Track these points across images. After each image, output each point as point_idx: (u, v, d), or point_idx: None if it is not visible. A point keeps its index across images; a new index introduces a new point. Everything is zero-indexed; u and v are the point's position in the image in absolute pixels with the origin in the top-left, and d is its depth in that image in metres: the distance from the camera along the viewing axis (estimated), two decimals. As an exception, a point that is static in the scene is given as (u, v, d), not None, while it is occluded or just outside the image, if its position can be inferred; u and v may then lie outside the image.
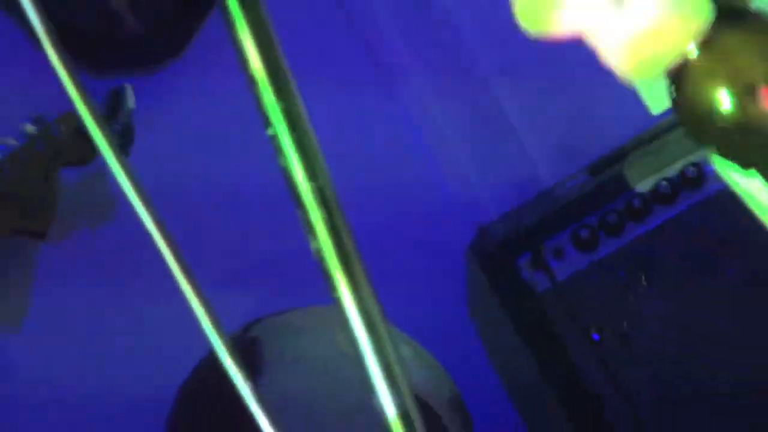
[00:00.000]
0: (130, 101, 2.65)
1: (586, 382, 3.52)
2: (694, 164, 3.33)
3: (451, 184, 3.64)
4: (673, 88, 1.44)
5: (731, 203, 1.52)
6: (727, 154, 1.45)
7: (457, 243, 3.63)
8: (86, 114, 1.22)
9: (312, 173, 1.13)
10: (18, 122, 3.25)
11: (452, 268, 3.66)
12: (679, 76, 1.42)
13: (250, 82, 1.14)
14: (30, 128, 3.03)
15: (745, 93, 1.41)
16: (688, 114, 1.45)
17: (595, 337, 3.45)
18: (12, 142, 3.06)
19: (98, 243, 3.08)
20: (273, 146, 1.12)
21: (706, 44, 1.40)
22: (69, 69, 1.18)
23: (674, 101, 1.44)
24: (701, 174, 3.21)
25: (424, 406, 1.23)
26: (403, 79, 3.91)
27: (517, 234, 3.56)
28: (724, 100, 1.40)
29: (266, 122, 1.12)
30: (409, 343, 3.20)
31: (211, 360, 1.26)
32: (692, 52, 1.40)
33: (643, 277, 3.17)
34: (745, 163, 1.43)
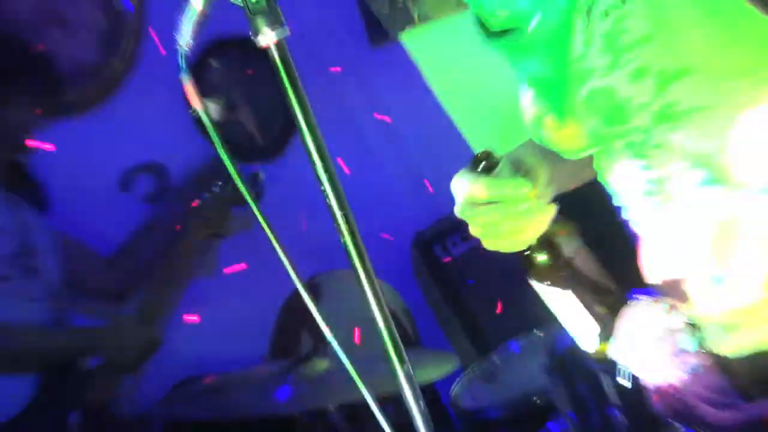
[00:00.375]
0: (262, 177, 2.58)
1: (466, 302, 3.44)
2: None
3: (404, 210, 3.54)
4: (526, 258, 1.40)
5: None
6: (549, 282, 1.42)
7: (407, 240, 3.56)
8: (241, 184, 1.22)
9: (341, 206, 1.14)
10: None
11: (404, 254, 3.60)
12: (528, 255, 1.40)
13: (313, 166, 1.14)
14: (216, 188, 2.99)
15: (555, 258, 1.40)
16: (530, 267, 1.42)
17: (470, 282, 3.41)
18: (208, 194, 3.02)
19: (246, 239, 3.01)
20: (323, 194, 1.14)
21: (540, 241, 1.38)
22: (234, 165, 1.19)
23: (525, 261, 1.41)
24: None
25: (393, 314, 1.26)
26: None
27: (435, 234, 3.49)
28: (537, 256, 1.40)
29: (320, 184, 1.13)
30: (382, 282, 3.09)
31: (297, 293, 1.21)
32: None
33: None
34: (560, 287, 1.41)
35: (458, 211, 1.33)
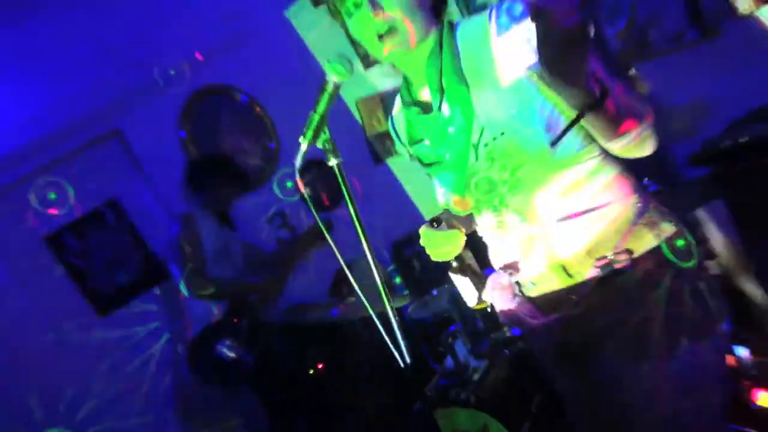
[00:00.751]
0: (331, 220, 2.41)
1: (417, 272, 3.26)
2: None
3: (391, 230, 3.25)
4: (448, 263, 1.33)
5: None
6: (458, 273, 1.36)
7: (390, 243, 3.30)
8: (322, 224, 1.20)
9: (362, 229, 1.11)
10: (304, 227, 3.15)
11: (388, 250, 3.33)
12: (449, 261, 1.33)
13: (349, 212, 1.12)
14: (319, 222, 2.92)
15: (461, 263, 1.33)
16: (450, 267, 1.35)
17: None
18: (311, 226, 2.99)
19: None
20: (354, 224, 1.10)
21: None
22: (318, 214, 1.17)
23: (448, 264, 1.35)
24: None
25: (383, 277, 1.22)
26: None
27: (404, 241, 3.27)
28: (453, 262, 1.34)
29: (352, 220, 1.10)
30: (378, 262, 2.95)
31: (341, 268, 1.17)
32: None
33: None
34: (462, 275, 1.35)
35: (422, 243, 1.27)
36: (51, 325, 2.99)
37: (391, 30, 1.05)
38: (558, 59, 0.79)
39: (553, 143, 1.01)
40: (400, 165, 3.51)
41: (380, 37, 1.07)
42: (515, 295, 1.25)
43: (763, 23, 1.53)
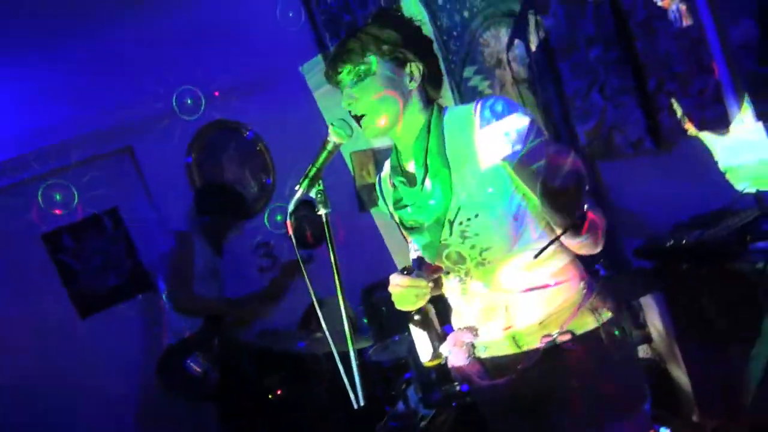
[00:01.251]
0: (312, 256, 2.28)
1: (382, 317, 3.07)
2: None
3: (362, 278, 3.17)
4: (411, 315, 1.26)
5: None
6: (418, 327, 1.27)
7: (359, 288, 3.21)
8: (302, 262, 1.20)
9: (338, 273, 1.12)
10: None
11: (358, 295, 3.28)
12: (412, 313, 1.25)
13: (329, 254, 1.11)
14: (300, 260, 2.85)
15: (423, 317, 1.26)
16: (411, 319, 1.27)
17: (383, 309, 3.02)
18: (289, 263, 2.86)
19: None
20: (333, 268, 1.09)
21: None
22: (297, 250, 1.17)
23: (410, 316, 1.25)
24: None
25: (350, 318, 1.20)
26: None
27: (374, 287, 3.17)
28: (416, 315, 1.26)
29: (332, 263, 1.08)
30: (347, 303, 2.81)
31: (312, 304, 1.17)
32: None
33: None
34: (422, 329, 1.27)
35: (390, 289, 1.21)
36: (31, 318, 2.87)
37: (364, 116, 1.14)
38: (555, 203, 0.87)
39: (536, 256, 1.06)
40: (382, 216, 3.52)
41: (356, 119, 1.15)
42: (469, 355, 1.26)
43: (707, 144, 1.63)
